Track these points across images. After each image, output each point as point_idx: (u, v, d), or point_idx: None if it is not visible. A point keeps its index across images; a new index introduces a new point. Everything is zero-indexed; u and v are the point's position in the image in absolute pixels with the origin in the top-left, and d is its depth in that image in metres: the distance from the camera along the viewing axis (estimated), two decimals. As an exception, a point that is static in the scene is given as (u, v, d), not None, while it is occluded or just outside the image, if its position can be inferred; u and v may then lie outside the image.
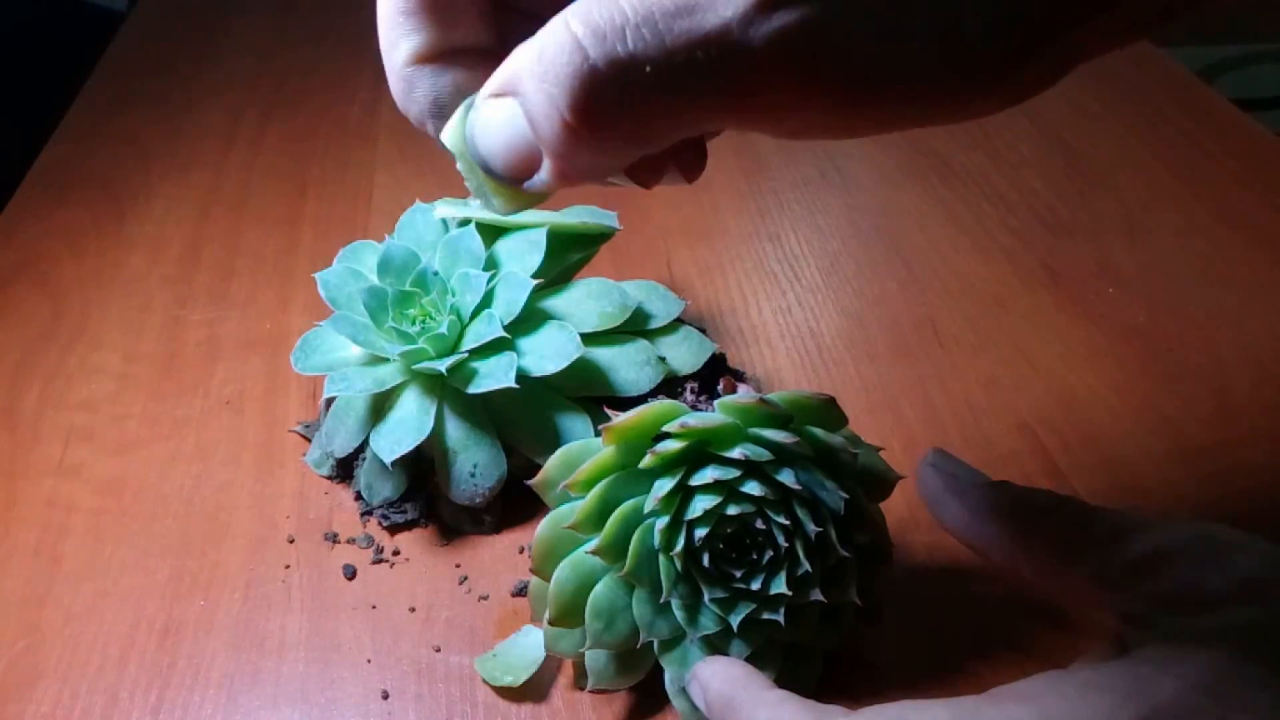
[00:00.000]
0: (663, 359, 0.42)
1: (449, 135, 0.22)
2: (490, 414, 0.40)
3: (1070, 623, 0.37)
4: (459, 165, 0.23)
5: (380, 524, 0.42)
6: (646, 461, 0.31)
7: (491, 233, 0.43)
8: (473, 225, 0.41)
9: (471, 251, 0.41)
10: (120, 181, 0.65)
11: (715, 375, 0.44)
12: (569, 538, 0.33)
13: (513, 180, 0.21)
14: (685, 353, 0.43)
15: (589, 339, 0.40)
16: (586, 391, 0.41)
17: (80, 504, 0.44)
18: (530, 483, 0.34)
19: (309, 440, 0.46)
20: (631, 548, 0.31)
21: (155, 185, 0.65)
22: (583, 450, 0.33)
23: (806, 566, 0.31)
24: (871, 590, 0.34)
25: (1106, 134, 0.64)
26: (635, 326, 0.42)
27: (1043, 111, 0.66)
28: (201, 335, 0.53)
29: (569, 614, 0.33)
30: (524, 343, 0.40)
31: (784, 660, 0.34)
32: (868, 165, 0.63)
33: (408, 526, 0.42)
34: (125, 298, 0.56)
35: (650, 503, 0.31)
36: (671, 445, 0.31)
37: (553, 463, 0.34)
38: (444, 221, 0.43)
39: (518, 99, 0.19)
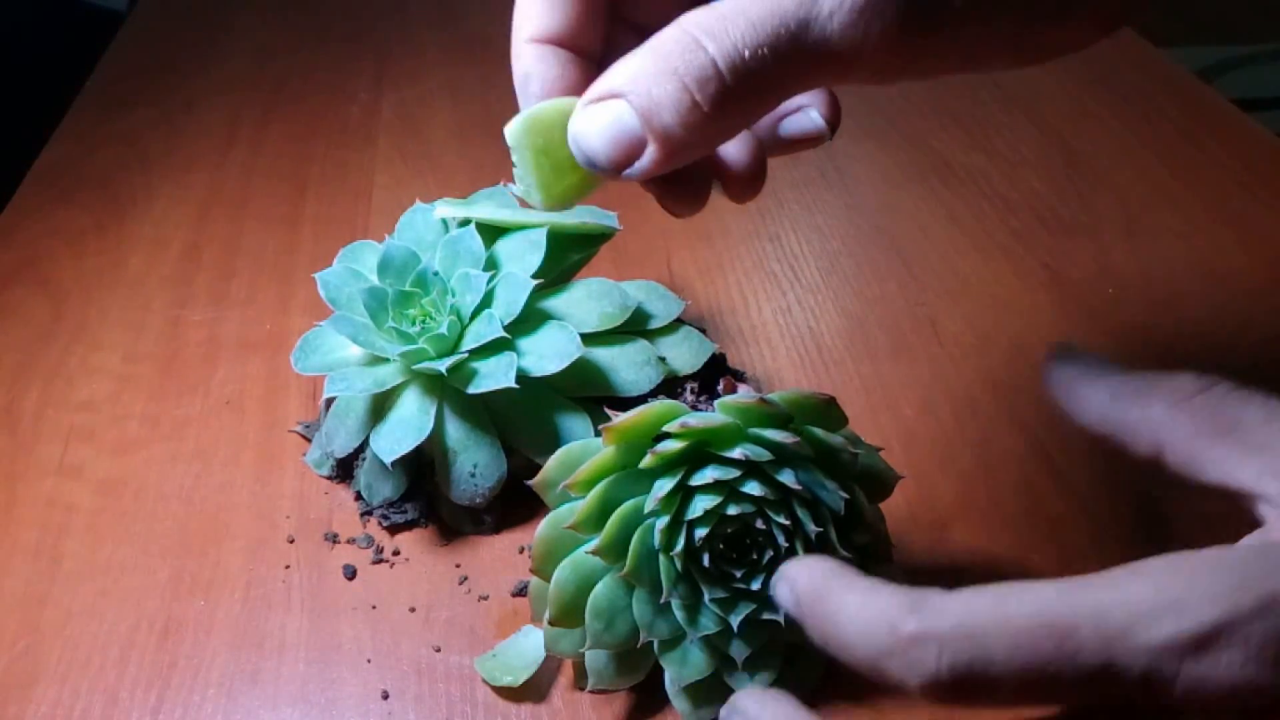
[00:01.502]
0: (663, 359, 0.42)
1: (510, 131, 0.26)
2: (490, 414, 0.40)
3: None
4: (514, 157, 0.26)
5: (380, 524, 0.42)
6: (647, 461, 0.31)
7: (491, 233, 0.43)
8: (473, 225, 0.41)
9: (472, 252, 0.41)
10: (120, 181, 0.65)
11: (715, 375, 0.44)
12: (569, 538, 0.33)
13: (613, 170, 0.24)
14: (685, 353, 0.43)
15: (589, 339, 0.40)
16: (586, 391, 0.41)
17: (80, 504, 0.44)
18: (530, 483, 0.34)
19: (309, 440, 0.46)
20: (632, 548, 0.31)
21: (155, 185, 0.65)
22: (583, 450, 0.33)
23: None
24: None
25: (1106, 134, 0.64)
26: (635, 327, 0.42)
27: (1043, 111, 0.66)
28: (201, 335, 0.53)
29: (569, 614, 0.33)
30: (524, 343, 0.40)
31: (784, 660, 0.34)
32: (868, 165, 0.63)
33: (408, 526, 0.42)
34: (125, 298, 0.56)
35: (650, 503, 0.31)
36: (672, 445, 0.31)
37: (553, 463, 0.34)
38: (444, 221, 0.43)
39: (626, 98, 0.23)
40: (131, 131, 0.71)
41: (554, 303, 0.42)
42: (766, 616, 0.32)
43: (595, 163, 0.24)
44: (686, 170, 0.27)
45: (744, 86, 0.23)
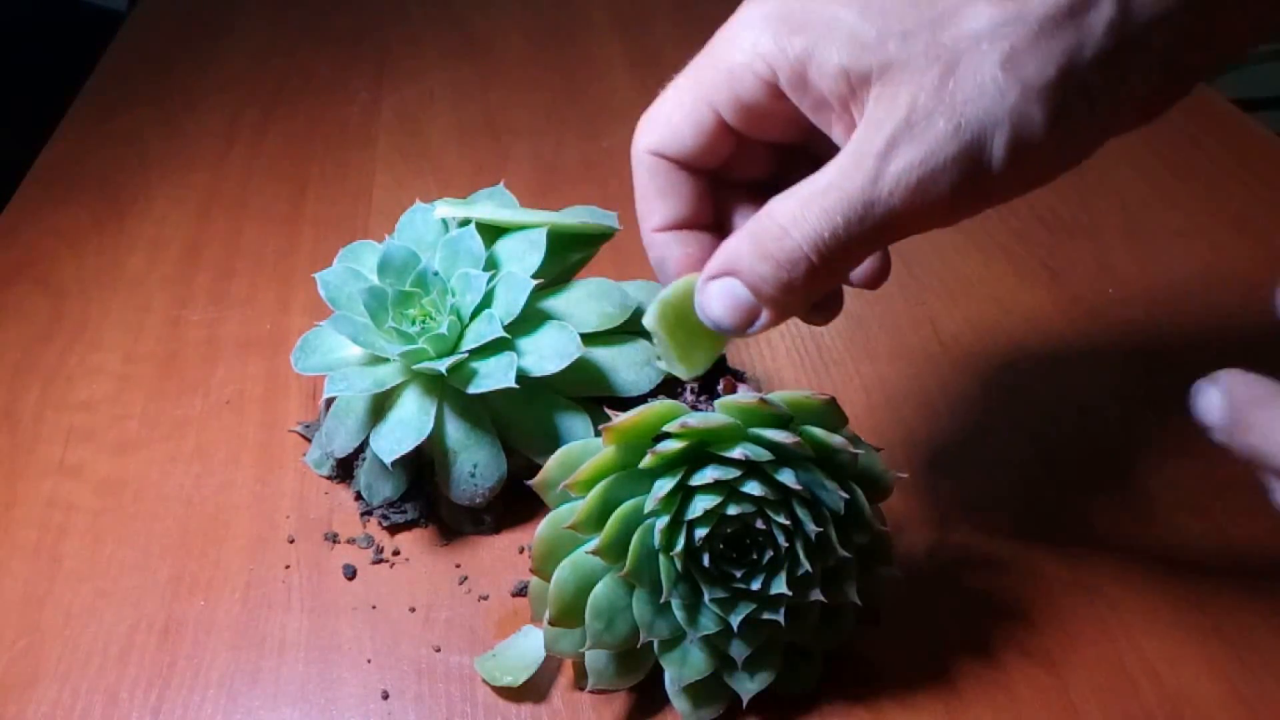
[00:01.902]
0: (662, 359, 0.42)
1: (647, 318, 0.31)
2: (490, 414, 0.40)
3: (1071, 624, 0.37)
4: (654, 339, 0.32)
5: (380, 524, 0.42)
6: (647, 461, 0.31)
7: (491, 233, 0.43)
8: (473, 225, 0.41)
9: (471, 252, 0.41)
10: (120, 181, 0.65)
11: (715, 375, 0.44)
12: (569, 538, 0.33)
13: (738, 332, 0.29)
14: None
15: (589, 339, 0.40)
16: (586, 391, 0.41)
17: (80, 504, 0.44)
18: (530, 483, 0.34)
19: (309, 440, 0.46)
20: (632, 548, 0.31)
21: (155, 185, 0.65)
22: (583, 450, 0.33)
23: (806, 567, 0.31)
24: (871, 591, 0.34)
25: (1106, 134, 0.64)
26: (635, 327, 0.42)
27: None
28: (201, 335, 0.53)
29: (569, 614, 0.33)
30: (524, 343, 0.40)
31: (784, 660, 0.34)
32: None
33: (408, 526, 0.42)
34: (125, 298, 0.56)
35: (650, 503, 0.31)
36: (672, 445, 0.31)
37: (553, 463, 0.34)
38: (444, 222, 0.43)
39: (737, 276, 0.28)
40: (131, 131, 0.71)
41: (554, 303, 0.42)
42: (766, 616, 0.32)
43: (721, 327, 0.29)
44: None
45: (828, 260, 0.27)
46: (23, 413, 0.49)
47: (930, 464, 0.43)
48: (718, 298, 0.29)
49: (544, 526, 0.33)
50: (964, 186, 0.26)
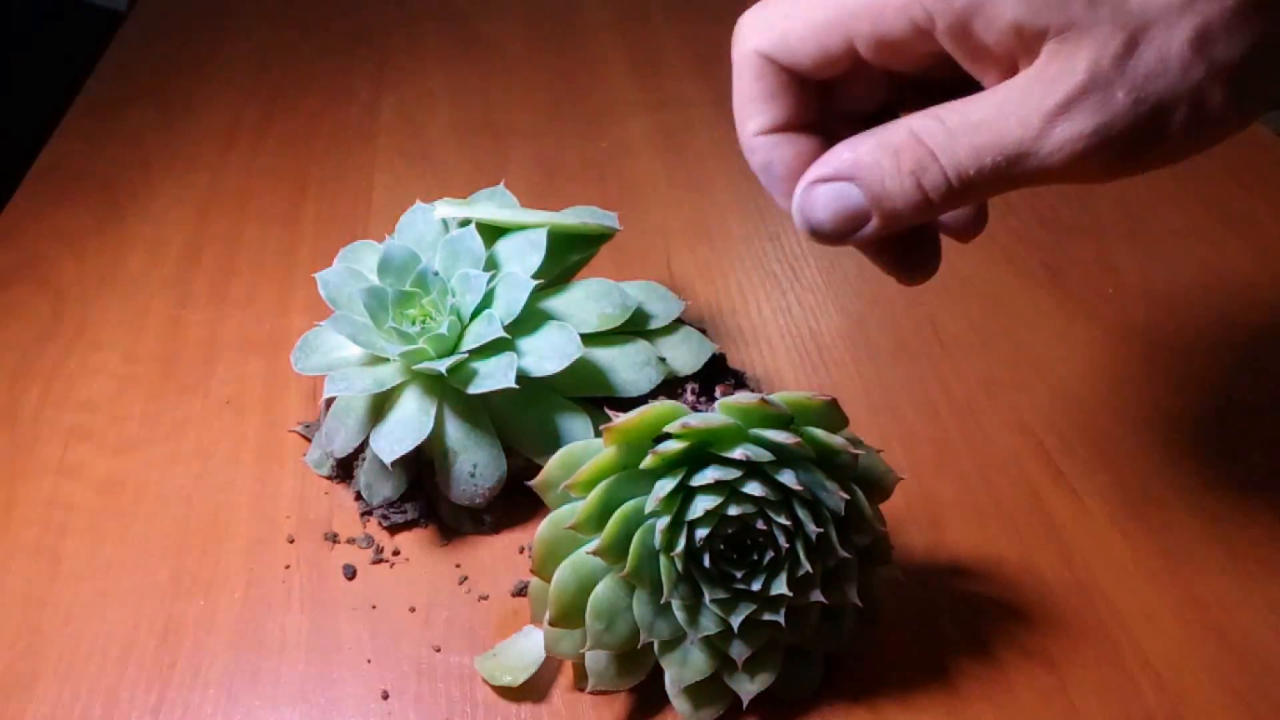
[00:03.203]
0: (663, 359, 0.42)
1: None
2: (490, 414, 0.40)
3: (1071, 624, 0.37)
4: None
5: (380, 524, 0.42)
6: (648, 462, 0.31)
7: (492, 233, 0.43)
8: (473, 225, 0.41)
9: (472, 252, 0.41)
10: (120, 181, 0.65)
11: (715, 376, 0.44)
12: (570, 538, 0.33)
13: (835, 237, 0.28)
14: (685, 353, 0.43)
15: (589, 339, 0.40)
16: (586, 392, 0.41)
17: (80, 504, 0.44)
18: (531, 484, 0.34)
19: (309, 440, 0.46)
20: (632, 548, 0.31)
21: (155, 185, 0.65)
22: (584, 451, 0.33)
23: (807, 567, 0.31)
24: (871, 591, 0.34)
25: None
26: (635, 327, 0.42)
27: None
28: (201, 335, 0.53)
29: (569, 615, 0.33)
30: (524, 343, 0.40)
31: (785, 662, 0.34)
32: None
33: (407, 526, 0.42)
34: (125, 298, 0.56)
35: (651, 503, 0.31)
36: (673, 445, 0.31)
37: (553, 463, 0.34)
38: (444, 222, 0.43)
39: (857, 183, 0.27)
40: (131, 131, 0.71)
41: (554, 303, 0.42)
42: (767, 617, 0.32)
43: (819, 231, 0.28)
44: (916, 242, 0.32)
45: (966, 190, 0.27)
46: (23, 413, 0.49)
47: (930, 464, 0.43)
48: (827, 201, 0.28)
49: (544, 527, 0.33)
50: (1129, 156, 0.26)
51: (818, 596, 0.32)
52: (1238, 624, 0.36)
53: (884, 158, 0.27)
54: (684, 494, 0.31)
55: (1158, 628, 0.37)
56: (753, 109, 0.30)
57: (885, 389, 0.47)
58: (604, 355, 0.41)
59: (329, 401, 0.42)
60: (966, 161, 0.26)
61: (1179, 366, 0.47)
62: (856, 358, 0.49)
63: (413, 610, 0.39)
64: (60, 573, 0.41)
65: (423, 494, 0.42)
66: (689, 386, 0.43)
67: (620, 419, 0.32)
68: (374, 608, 0.39)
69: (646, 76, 0.72)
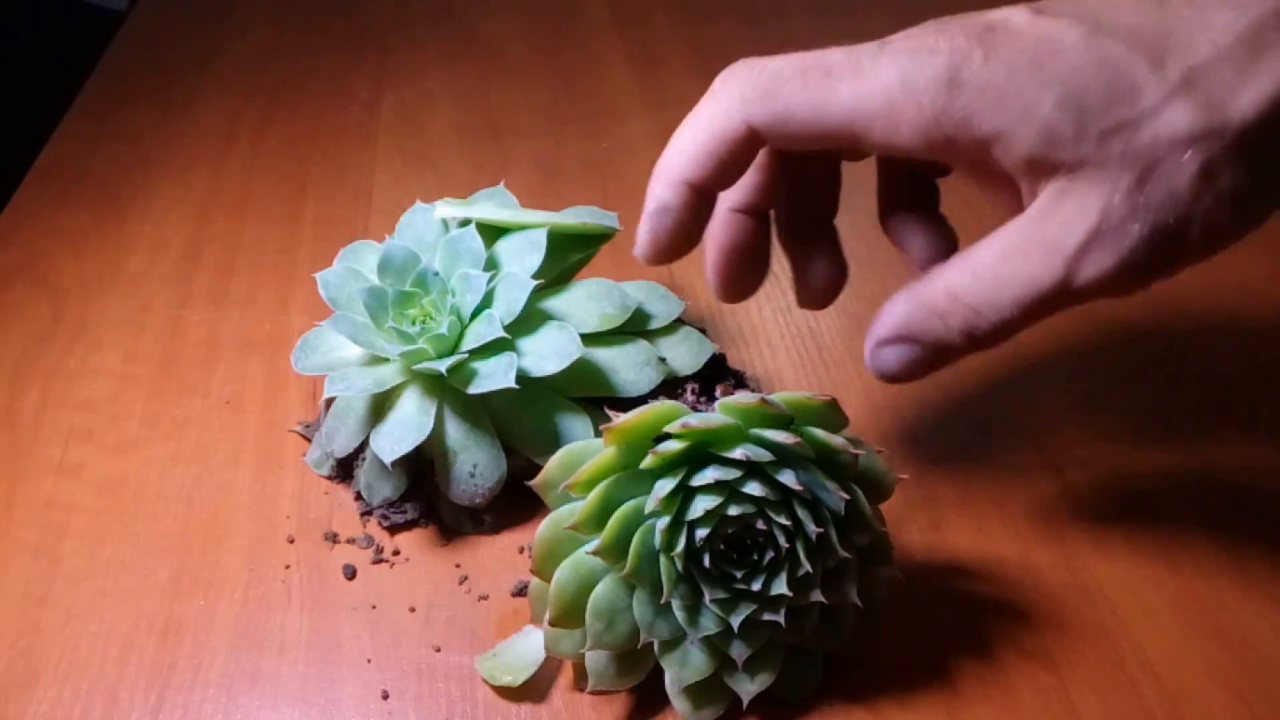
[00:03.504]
0: (663, 360, 0.42)
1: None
2: (490, 414, 0.40)
3: (1071, 624, 0.37)
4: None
5: (380, 524, 0.42)
6: (648, 462, 0.31)
7: (492, 233, 0.43)
8: (473, 226, 0.41)
9: (472, 252, 0.41)
10: (120, 181, 0.65)
11: (716, 376, 0.44)
12: (570, 538, 0.33)
13: (914, 379, 0.31)
14: (685, 353, 0.43)
15: (589, 339, 0.40)
16: (587, 392, 0.41)
17: (80, 504, 0.44)
18: (531, 483, 0.34)
19: (309, 440, 0.46)
20: (632, 548, 0.31)
21: (155, 185, 0.65)
22: (583, 451, 0.33)
23: (807, 567, 0.31)
24: (872, 592, 0.34)
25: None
26: (635, 327, 0.42)
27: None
28: (201, 335, 0.53)
29: (570, 615, 0.33)
30: (524, 343, 0.40)
31: (785, 662, 0.34)
32: (868, 164, 0.63)
33: (407, 527, 0.42)
34: (125, 298, 0.56)
35: (651, 503, 0.31)
36: (673, 445, 0.31)
37: (554, 463, 0.34)
38: (444, 222, 0.43)
39: (918, 343, 0.30)
40: (131, 131, 0.71)
41: (554, 303, 0.42)
42: (767, 617, 0.32)
43: (898, 380, 0.31)
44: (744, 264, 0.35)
45: (1010, 329, 0.29)
46: (23, 413, 0.49)
47: (930, 464, 0.43)
48: (894, 359, 0.31)
49: (544, 527, 0.33)
50: (1150, 275, 0.28)
51: (817, 596, 0.32)
52: (1238, 624, 0.36)
53: (931, 319, 0.30)
54: (684, 494, 0.31)
55: (1158, 628, 0.37)
56: (693, 159, 0.31)
57: (885, 389, 0.47)
58: (604, 355, 0.41)
59: (329, 401, 0.42)
60: (1008, 311, 0.28)
61: (1179, 367, 0.47)
62: (856, 358, 0.49)
63: (413, 610, 0.39)
64: (60, 573, 0.41)
65: (423, 494, 0.42)
66: (689, 386, 0.43)
67: (620, 419, 0.32)
68: (374, 608, 0.39)
69: (646, 76, 0.72)
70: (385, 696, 0.36)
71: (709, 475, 0.31)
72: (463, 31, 0.80)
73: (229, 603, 0.40)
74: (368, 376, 0.39)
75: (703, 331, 0.44)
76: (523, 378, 0.38)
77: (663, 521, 0.31)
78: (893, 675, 0.36)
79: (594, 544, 0.31)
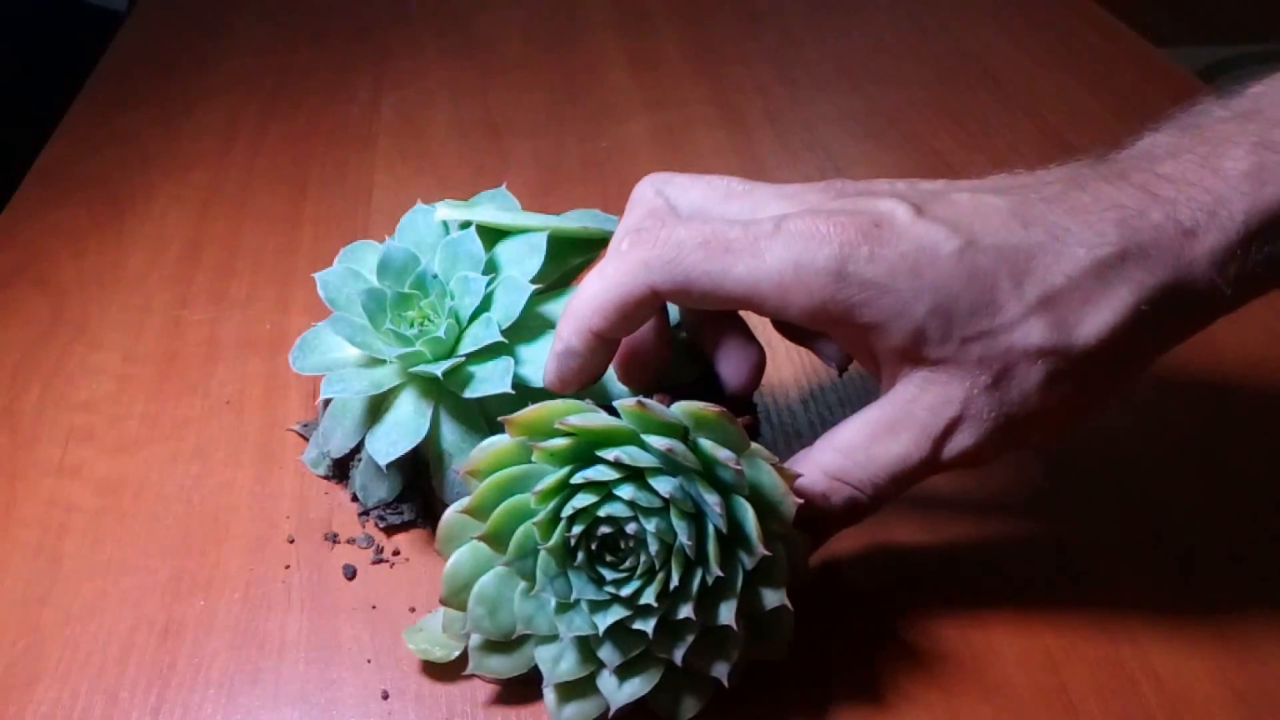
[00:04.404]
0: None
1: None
2: (487, 418, 0.40)
3: (1071, 624, 0.37)
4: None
5: (376, 525, 0.42)
6: (535, 456, 0.32)
7: (492, 236, 0.42)
8: (473, 228, 0.41)
9: (471, 255, 0.41)
10: (120, 181, 0.65)
11: (710, 384, 0.44)
12: (471, 524, 0.33)
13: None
14: (684, 357, 0.42)
15: (587, 342, 0.40)
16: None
17: (80, 504, 0.44)
18: (454, 469, 0.34)
19: (307, 440, 0.46)
20: (515, 538, 0.32)
21: (155, 185, 0.65)
22: (499, 441, 0.34)
23: (676, 580, 0.30)
24: (759, 617, 0.32)
25: (1106, 133, 0.64)
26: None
27: (1043, 111, 0.66)
28: (201, 335, 0.53)
29: (459, 596, 0.33)
30: (523, 350, 0.39)
31: (665, 680, 0.33)
32: (868, 165, 0.63)
33: (404, 528, 0.42)
34: (125, 298, 0.56)
35: (532, 496, 0.31)
36: (558, 442, 0.31)
37: (476, 451, 0.33)
38: (445, 224, 0.43)
39: (828, 502, 0.33)
40: (131, 131, 0.71)
41: (553, 307, 0.42)
42: (637, 626, 0.31)
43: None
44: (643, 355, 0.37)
45: (885, 499, 0.33)
46: (23, 413, 0.49)
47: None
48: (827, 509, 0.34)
49: (450, 510, 0.34)
50: (1002, 449, 0.32)
51: (687, 613, 0.31)
52: (1238, 624, 0.37)
53: (817, 498, 0.33)
54: (566, 490, 0.31)
55: (1158, 628, 0.37)
56: (608, 313, 0.33)
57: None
58: (602, 358, 0.41)
59: (326, 401, 0.42)
60: (884, 486, 0.33)
61: (1179, 367, 0.47)
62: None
63: (413, 610, 0.39)
64: (60, 573, 0.41)
65: (419, 495, 0.42)
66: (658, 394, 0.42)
67: (523, 411, 0.32)
68: (374, 608, 0.39)
69: (646, 76, 0.72)
70: (385, 696, 0.36)
71: (587, 474, 0.31)
72: (463, 31, 0.80)
73: (229, 603, 0.40)
74: (365, 378, 0.39)
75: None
76: (520, 385, 0.38)
77: (540, 514, 0.31)
78: (893, 675, 0.36)
79: (481, 530, 0.32)
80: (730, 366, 0.37)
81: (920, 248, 0.30)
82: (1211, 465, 0.42)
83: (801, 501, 0.32)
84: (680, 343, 0.43)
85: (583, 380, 0.35)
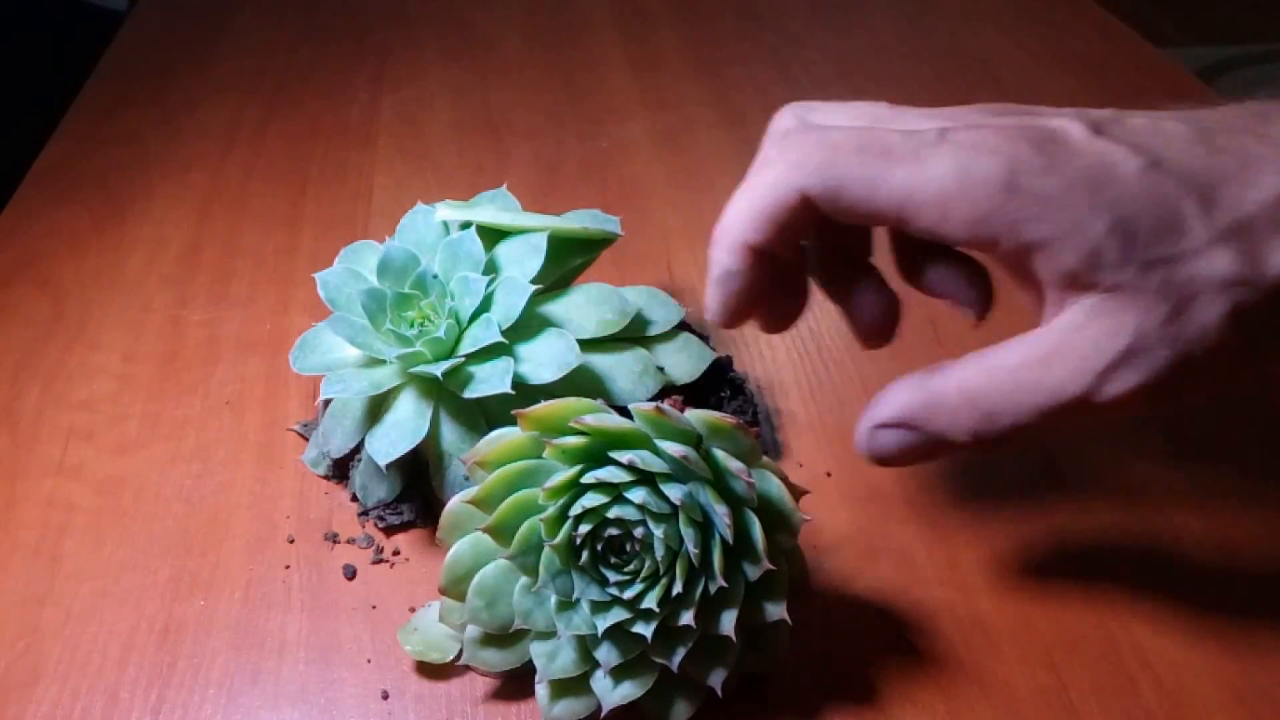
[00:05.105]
0: (661, 369, 0.42)
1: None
2: (487, 418, 0.40)
3: (1070, 624, 0.37)
4: None
5: (376, 525, 0.42)
6: (547, 453, 0.32)
7: (493, 236, 0.42)
8: (474, 228, 0.41)
9: (472, 255, 0.41)
10: (120, 181, 0.65)
11: (717, 382, 0.44)
12: (476, 515, 0.33)
13: (906, 464, 0.32)
14: (685, 360, 0.42)
15: (587, 345, 0.40)
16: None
17: (80, 504, 0.44)
18: (463, 458, 0.34)
19: (307, 440, 0.46)
20: (520, 532, 0.32)
21: (155, 185, 0.65)
22: (508, 435, 0.34)
23: (679, 587, 0.30)
24: (759, 629, 0.32)
25: (1106, 134, 0.64)
26: (635, 333, 0.42)
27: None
28: (201, 335, 0.53)
29: (459, 587, 0.33)
30: (522, 349, 0.40)
31: (658, 684, 0.33)
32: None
33: (403, 528, 0.42)
34: (125, 298, 0.56)
35: (541, 492, 0.31)
36: (571, 440, 0.31)
37: (483, 443, 0.33)
38: (445, 224, 0.43)
39: (920, 430, 0.30)
40: (131, 131, 0.71)
41: (553, 308, 0.42)
42: (637, 630, 0.31)
43: (890, 464, 0.32)
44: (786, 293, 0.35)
45: (1021, 435, 0.29)
46: (23, 413, 0.49)
47: (929, 464, 0.43)
48: (892, 442, 0.31)
49: (454, 499, 0.34)
50: (1169, 399, 0.29)
51: (688, 620, 0.31)
52: (1238, 624, 0.37)
53: (939, 414, 0.30)
54: (576, 489, 0.31)
55: (1158, 628, 0.37)
56: (752, 224, 0.31)
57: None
58: (602, 363, 0.41)
59: (326, 402, 0.42)
60: (1025, 418, 0.29)
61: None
62: (856, 358, 0.49)
63: (413, 610, 0.39)
64: (60, 573, 0.41)
65: (418, 495, 0.42)
66: (671, 398, 0.42)
67: (537, 406, 0.32)
68: (374, 608, 0.39)
69: (646, 76, 0.72)
70: (385, 696, 0.36)
71: (598, 474, 0.31)
72: (462, 31, 0.80)
73: (229, 603, 0.40)
74: (365, 378, 0.39)
75: (704, 337, 0.44)
76: (520, 384, 0.38)
77: (548, 510, 0.31)
78: (893, 676, 0.36)
79: (486, 522, 0.32)
80: (865, 314, 0.35)
81: (1100, 164, 0.28)
82: (1211, 464, 0.42)
83: (809, 519, 0.31)
84: (693, 340, 0.43)
85: (748, 306, 0.33)
